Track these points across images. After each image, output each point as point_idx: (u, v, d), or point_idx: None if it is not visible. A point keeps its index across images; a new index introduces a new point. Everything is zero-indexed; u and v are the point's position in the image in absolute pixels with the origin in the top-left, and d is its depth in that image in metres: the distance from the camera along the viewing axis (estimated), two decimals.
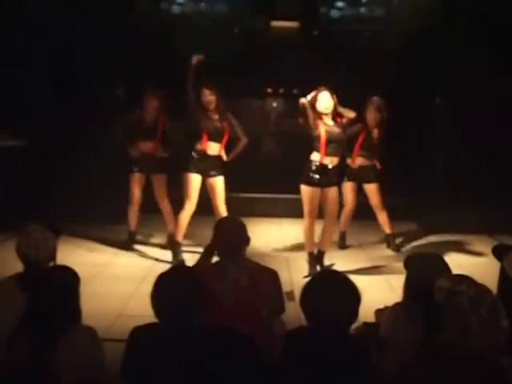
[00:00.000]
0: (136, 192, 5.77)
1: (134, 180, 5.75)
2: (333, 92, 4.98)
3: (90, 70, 6.52)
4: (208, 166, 5.38)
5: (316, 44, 7.90)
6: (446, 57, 6.71)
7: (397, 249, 6.08)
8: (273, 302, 2.87)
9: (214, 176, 5.43)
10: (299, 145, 5.34)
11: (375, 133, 5.90)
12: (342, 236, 6.27)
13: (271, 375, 2.02)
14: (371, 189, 6.00)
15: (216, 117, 5.37)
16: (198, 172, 5.36)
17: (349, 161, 5.98)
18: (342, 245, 6.24)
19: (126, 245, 5.94)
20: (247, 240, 2.99)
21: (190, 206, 5.37)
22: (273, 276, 2.96)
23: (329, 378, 1.99)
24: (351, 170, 6.00)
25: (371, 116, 5.82)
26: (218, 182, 5.45)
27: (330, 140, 4.93)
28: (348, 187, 6.02)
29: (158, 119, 5.64)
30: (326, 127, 4.95)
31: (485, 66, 6.48)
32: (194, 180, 5.35)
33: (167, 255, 5.62)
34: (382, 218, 6.06)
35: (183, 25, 7.54)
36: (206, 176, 5.41)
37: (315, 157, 5.00)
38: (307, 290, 2.14)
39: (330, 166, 5.01)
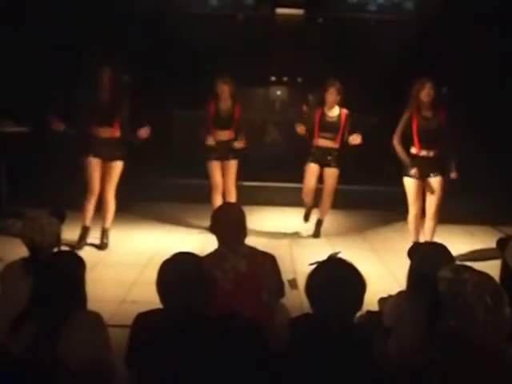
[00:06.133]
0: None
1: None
2: (339, 87, 5.55)
3: (92, 57, 6.50)
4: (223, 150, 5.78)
5: (321, 32, 7.85)
6: (453, 47, 6.67)
7: None
8: (272, 285, 2.89)
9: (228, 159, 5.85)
10: None
11: None
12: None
13: (276, 362, 2.03)
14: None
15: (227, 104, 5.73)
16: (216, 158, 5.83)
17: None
18: None
19: None
20: (246, 228, 3.00)
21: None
22: (271, 260, 2.97)
23: (333, 366, 1.99)
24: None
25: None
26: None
27: (324, 127, 5.67)
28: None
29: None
30: (323, 116, 5.68)
31: (493, 56, 6.45)
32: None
33: (171, 243, 5.64)
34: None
35: (187, 12, 7.49)
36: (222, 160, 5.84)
37: (311, 141, 5.77)
38: (313, 277, 2.13)
39: (325, 147, 5.71)
